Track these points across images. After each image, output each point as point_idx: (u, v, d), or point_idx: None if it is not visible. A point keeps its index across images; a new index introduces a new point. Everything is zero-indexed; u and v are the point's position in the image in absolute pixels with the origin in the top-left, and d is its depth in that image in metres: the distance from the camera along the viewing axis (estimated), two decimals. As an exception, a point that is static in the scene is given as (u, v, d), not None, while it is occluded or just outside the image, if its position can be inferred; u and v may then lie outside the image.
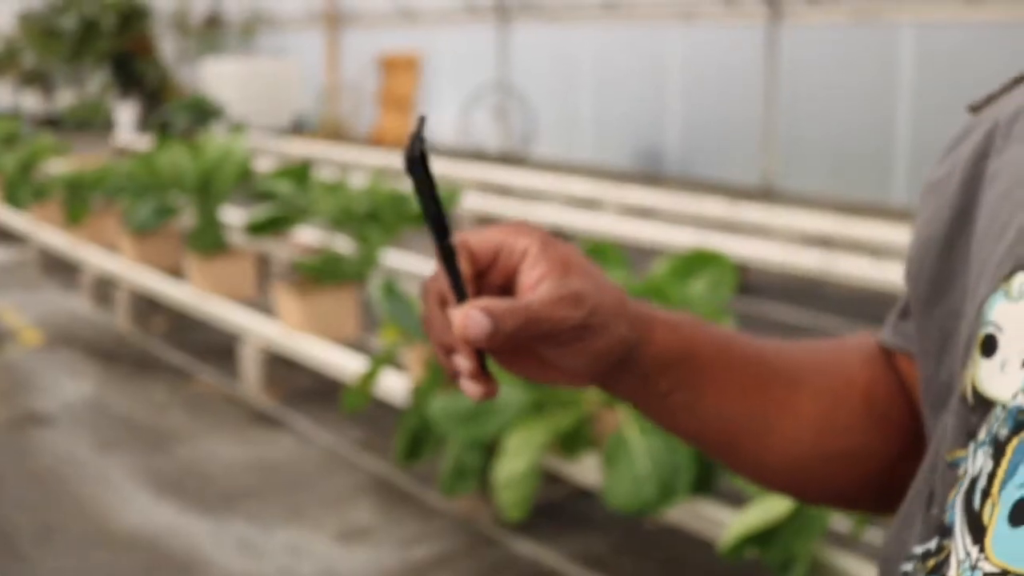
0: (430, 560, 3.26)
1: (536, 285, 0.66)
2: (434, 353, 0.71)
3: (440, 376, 3.39)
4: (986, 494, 0.53)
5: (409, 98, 13.64)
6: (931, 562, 0.57)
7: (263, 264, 6.46)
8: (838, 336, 0.83)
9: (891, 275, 4.76)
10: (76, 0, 16.38)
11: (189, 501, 3.69)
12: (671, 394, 0.72)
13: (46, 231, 7.30)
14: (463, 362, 0.66)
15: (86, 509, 3.65)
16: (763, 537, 2.64)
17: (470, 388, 0.66)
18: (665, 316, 0.72)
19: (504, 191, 8.57)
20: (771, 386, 0.74)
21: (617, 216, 7.15)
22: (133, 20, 16.31)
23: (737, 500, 3.03)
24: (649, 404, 0.73)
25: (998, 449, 0.53)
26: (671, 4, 10.31)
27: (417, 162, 0.60)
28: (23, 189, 7.96)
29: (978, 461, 0.55)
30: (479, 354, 0.66)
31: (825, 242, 5.97)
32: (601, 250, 3.42)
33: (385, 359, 3.80)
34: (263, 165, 8.54)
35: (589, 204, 7.73)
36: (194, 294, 5.53)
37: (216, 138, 6.42)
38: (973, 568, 0.52)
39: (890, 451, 0.76)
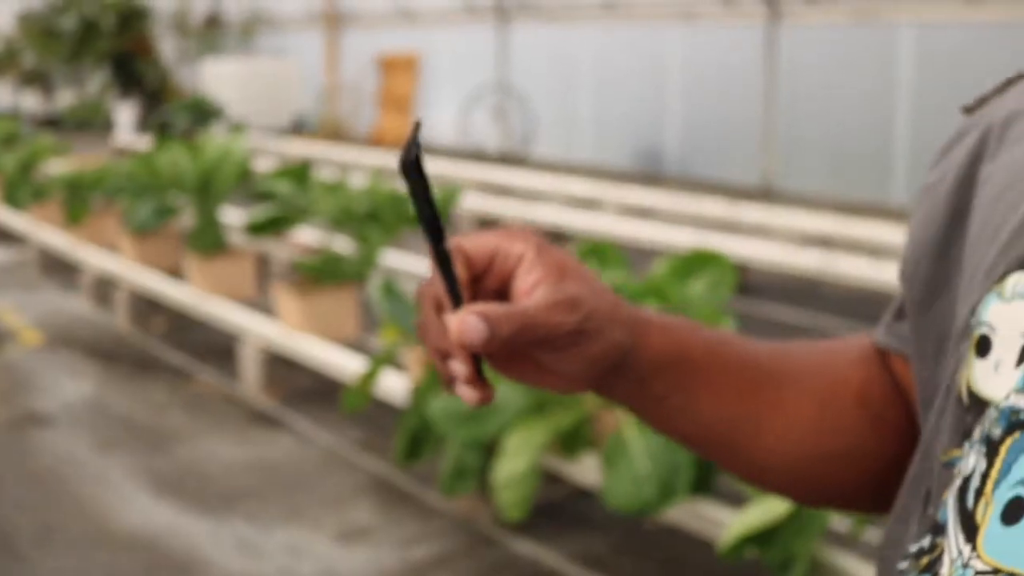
0: (430, 560, 3.26)
1: (532, 290, 0.66)
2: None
3: (440, 377, 3.39)
4: (980, 493, 0.53)
5: (409, 98, 13.64)
6: (924, 560, 0.57)
7: (263, 264, 6.46)
8: (834, 337, 0.83)
9: (890, 275, 4.76)
10: (76, 0, 16.38)
11: (189, 501, 3.69)
12: (666, 397, 0.72)
13: (46, 231, 7.30)
14: (459, 367, 0.66)
15: (86, 509, 3.65)
16: (763, 537, 2.64)
17: (466, 393, 0.66)
18: (659, 319, 0.72)
19: (504, 191, 8.57)
20: (765, 388, 0.75)
21: (617, 216, 7.15)
22: (133, 20, 16.31)
23: (737, 500, 3.03)
24: (644, 407, 0.74)
25: (992, 449, 0.54)
26: (670, 4, 10.31)
27: (412, 167, 0.60)
28: (23, 189, 7.96)
29: (971, 460, 0.55)
30: (475, 359, 0.66)
31: (825, 242, 5.97)
32: (601, 250, 3.42)
33: (385, 359, 3.80)
34: (263, 165, 8.54)
35: (589, 204, 7.73)
36: (194, 294, 5.53)
37: (216, 138, 6.42)
38: (965, 566, 0.53)
39: (885, 451, 0.76)
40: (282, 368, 4.86)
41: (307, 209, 5.18)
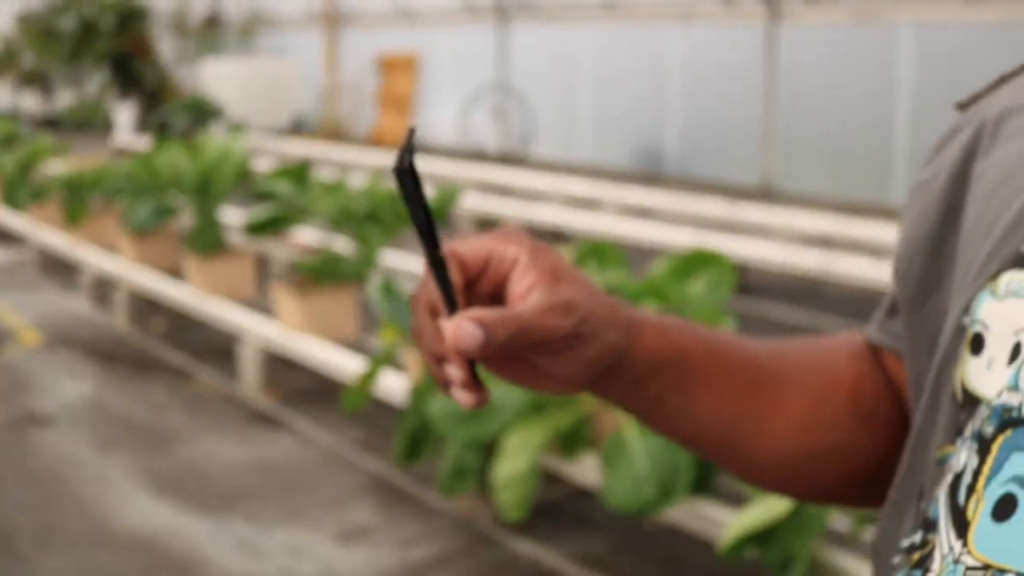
0: (429, 560, 3.26)
1: (527, 294, 0.66)
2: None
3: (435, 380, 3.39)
4: (971, 490, 0.54)
5: (408, 98, 13.64)
6: (916, 555, 0.58)
7: (262, 264, 6.46)
8: (826, 334, 0.83)
9: (890, 275, 4.75)
10: (75, 1, 16.38)
11: (188, 501, 3.69)
12: (662, 397, 0.73)
13: (45, 232, 7.30)
14: (455, 371, 0.66)
15: (86, 509, 3.65)
16: (762, 537, 2.64)
17: (462, 397, 0.67)
18: (655, 320, 0.72)
19: (503, 191, 8.57)
20: (760, 386, 0.75)
21: (616, 216, 7.15)
22: (132, 20, 16.30)
23: (736, 500, 3.03)
24: (640, 407, 0.74)
25: (983, 446, 0.54)
26: (670, 4, 10.31)
27: (407, 173, 0.61)
28: (22, 190, 7.96)
29: (963, 457, 0.55)
30: (470, 363, 0.66)
31: (825, 242, 5.97)
32: (600, 250, 3.42)
33: (384, 359, 3.80)
34: (262, 165, 8.54)
35: (588, 204, 7.73)
36: (193, 294, 5.53)
37: (215, 138, 6.42)
38: (956, 562, 0.53)
39: (877, 447, 0.77)
40: (282, 368, 4.86)
41: (307, 209, 5.18)
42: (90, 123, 15.91)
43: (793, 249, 5.69)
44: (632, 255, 4.24)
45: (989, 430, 0.54)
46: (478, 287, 0.68)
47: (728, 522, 2.77)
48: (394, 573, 3.20)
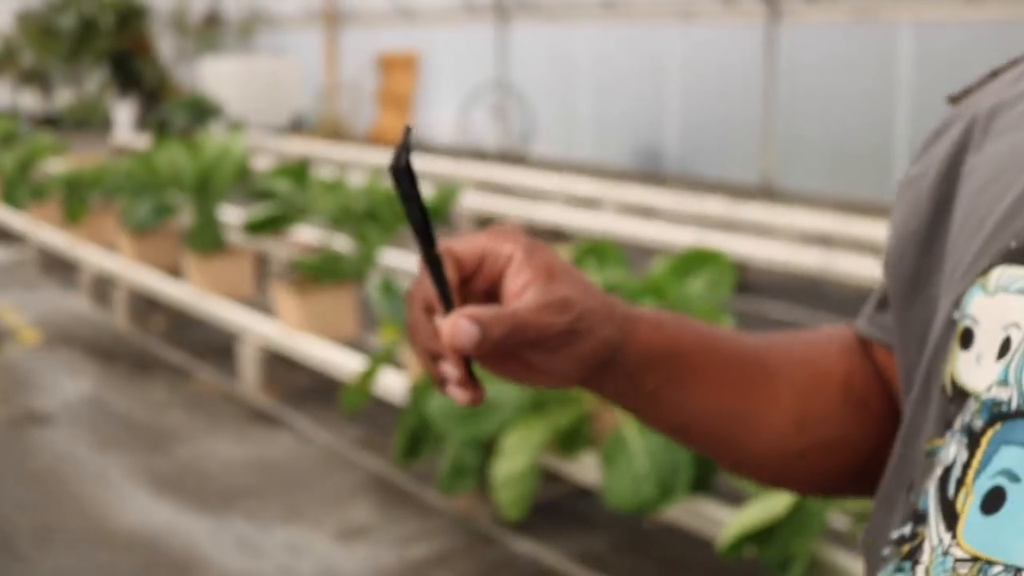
0: (429, 559, 3.26)
1: (522, 292, 0.66)
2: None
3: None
4: (960, 483, 0.54)
5: (408, 97, 13.64)
6: (906, 547, 0.58)
7: (262, 263, 6.46)
8: (816, 327, 0.84)
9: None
10: (74, -1, 16.38)
11: (188, 500, 3.69)
12: (656, 391, 0.73)
13: (45, 230, 7.29)
14: (450, 369, 0.67)
15: (85, 508, 3.65)
16: (762, 535, 2.64)
17: (457, 394, 0.67)
18: (648, 315, 0.73)
19: (503, 190, 8.57)
20: (755, 380, 0.76)
21: (616, 215, 7.15)
22: (131, 19, 16.30)
23: (736, 499, 3.03)
24: (635, 402, 0.74)
25: (973, 439, 0.54)
26: (670, 3, 10.31)
27: (403, 172, 0.61)
28: (22, 188, 7.96)
29: (952, 450, 0.56)
30: (466, 360, 0.66)
31: (824, 241, 5.97)
32: (600, 249, 3.41)
33: (384, 358, 3.80)
34: (262, 164, 8.54)
35: (588, 203, 7.73)
36: (193, 293, 5.52)
37: (214, 137, 6.42)
38: (945, 554, 0.53)
39: (867, 439, 0.77)
40: (281, 367, 4.86)
41: (306, 208, 5.18)
42: (89, 122, 15.91)
43: (793, 248, 5.69)
44: (632, 254, 4.24)
45: (979, 424, 0.54)
46: (473, 284, 0.68)
47: (727, 521, 2.77)
48: (393, 572, 3.20)
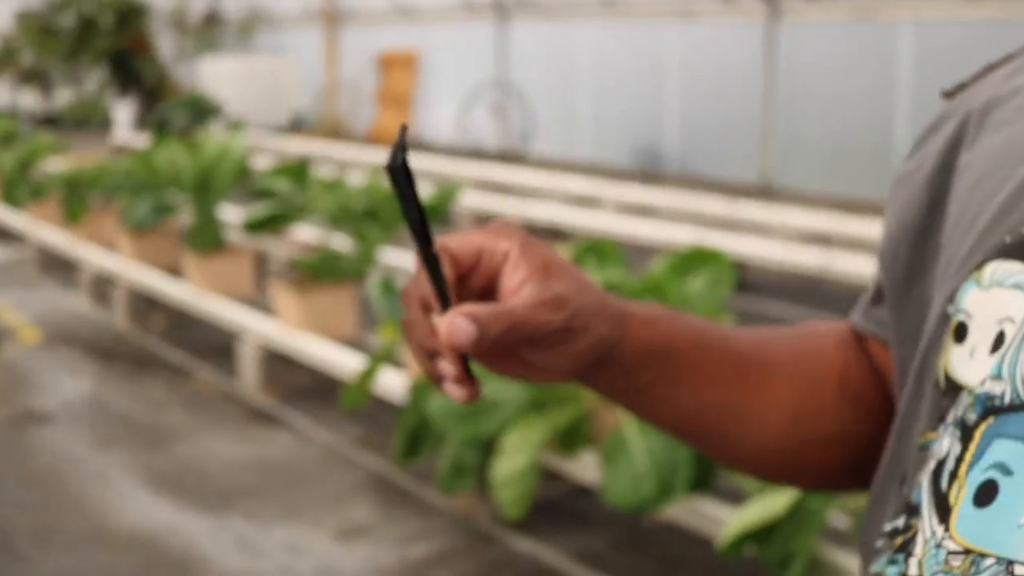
0: (429, 558, 3.26)
1: (518, 289, 0.66)
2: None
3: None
4: (953, 476, 0.55)
5: (408, 96, 13.64)
6: (899, 540, 0.59)
7: (261, 262, 6.46)
8: (811, 322, 0.84)
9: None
10: (74, -2, 16.37)
11: (188, 499, 3.69)
12: (651, 387, 0.73)
13: (44, 229, 7.29)
14: (448, 367, 0.67)
15: (85, 508, 3.65)
16: (762, 534, 2.64)
17: (455, 392, 0.67)
18: (644, 311, 0.73)
19: (503, 189, 8.57)
20: (748, 374, 0.76)
21: (616, 214, 7.15)
22: (131, 18, 16.29)
23: (736, 497, 3.03)
24: (630, 397, 0.75)
25: (966, 433, 0.55)
26: (670, 2, 10.31)
27: (399, 171, 0.61)
28: (21, 188, 7.96)
29: (945, 444, 0.56)
30: (462, 358, 0.67)
31: (824, 240, 5.97)
32: (599, 248, 3.41)
33: (384, 357, 3.80)
34: (261, 163, 8.54)
35: (588, 202, 7.73)
36: (192, 292, 5.52)
37: (214, 136, 6.42)
38: (938, 546, 0.54)
39: (863, 433, 0.77)
40: (281, 366, 4.86)
41: (305, 207, 5.18)
42: (89, 121, 15.91)
43: (792, 247, 5.69)
44: (631, 253, 4.24)
45: (972, 417, 0.55)
46: (470, 282, 0.68)
47: (727, 519, 2.77)
48: (393, 571, 3.20)
